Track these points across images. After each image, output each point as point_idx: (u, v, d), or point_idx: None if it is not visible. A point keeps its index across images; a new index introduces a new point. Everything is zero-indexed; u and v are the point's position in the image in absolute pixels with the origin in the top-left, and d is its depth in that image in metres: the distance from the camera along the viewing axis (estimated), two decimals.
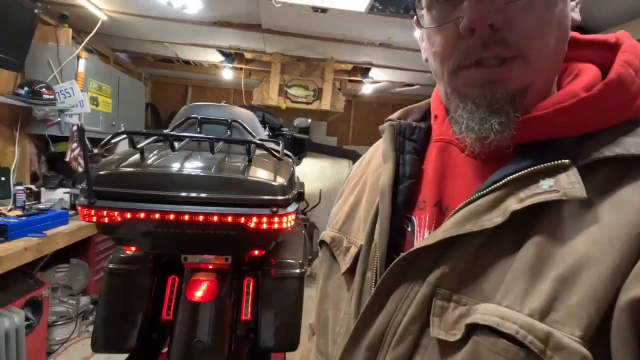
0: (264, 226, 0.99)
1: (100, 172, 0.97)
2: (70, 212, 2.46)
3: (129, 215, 0.92)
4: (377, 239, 0.46)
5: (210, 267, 1.29)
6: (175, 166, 1.03)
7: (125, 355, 1.33)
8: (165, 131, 1.19)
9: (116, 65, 3.86)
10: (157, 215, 0.93)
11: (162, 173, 1.00)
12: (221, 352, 1.27)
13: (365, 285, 0.46)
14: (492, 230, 0.37)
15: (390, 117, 0.59)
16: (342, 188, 0.67)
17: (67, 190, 2.66)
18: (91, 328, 2.81)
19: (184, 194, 0.95)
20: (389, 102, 5.61)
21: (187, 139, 1.14)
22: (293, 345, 1.31)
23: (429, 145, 0.52)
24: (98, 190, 0.91)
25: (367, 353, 0.42)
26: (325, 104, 3.56)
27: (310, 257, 3.05)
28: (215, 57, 3.87)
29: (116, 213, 0.92)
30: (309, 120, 2.66)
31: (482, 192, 0.39)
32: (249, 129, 1.36)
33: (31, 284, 2.14)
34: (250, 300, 1.41)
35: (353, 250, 0.50)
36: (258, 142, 1.07)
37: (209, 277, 1.23)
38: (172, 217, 0.93)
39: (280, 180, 1.03)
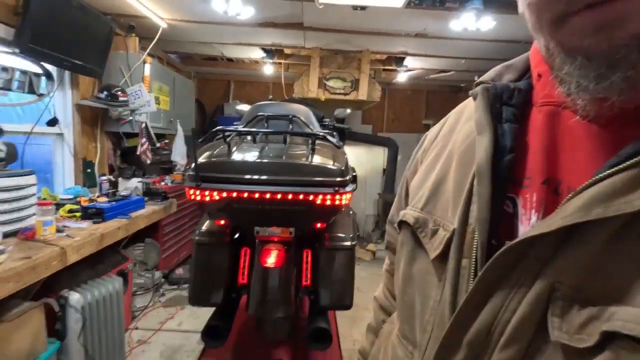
0: (327, 203, 1.22)
1: (203, 161, 1.25)
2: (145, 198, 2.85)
3: (224, 194, 1.19)
4: (473, 223, 0.41)
5: (277, 239, 1.56)
6: (257, 155, 1.29)
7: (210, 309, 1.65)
8: (249, 129, 1.45)
9: (169, 65, 4.24)
10: (245, 194, 1.19)
11: (248, 161, 1.27)
12: (289, 308, 1.54)
13: (462, 274, 0.41)
14: (630, 216, 0.30)
15: (482, 78, 0.51)
16: (415, 159, 0.62)
17: (140, 179, 3.05)
18: (163, 299, 3.24)
19: (264, 177, 1.21)
20: (423, 88, 5.66)
21: (261, 133, 1.40)
22: (348, 305, 1.56)
23: (531, 110, 0.44)
24: (202, 175, 1.19)
25: (469, 350, 0.38)
26: (362, 94, 3.73)
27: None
28: (257, 54, 4.14)
29: (215, 193, 1.20)
30: (348, 111, 2.85)
31: (616, 169, 0.31)
32: (306, 122, 1.60)
33: (119, 259, 2.55)
34: (309, 268, 1.67)
35: (443, 234, 0.45)
36: (321, 134, 1.30)
37: (278, 247, 1.50)
38: (256, 195, 1.19)
39: (339, 165, 1.26)
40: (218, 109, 5.32)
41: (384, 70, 4.72)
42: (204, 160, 1.25)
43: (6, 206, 1.80)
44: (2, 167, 1.88)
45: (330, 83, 3.68)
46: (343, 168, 1.25)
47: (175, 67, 4.46)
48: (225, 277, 1.61)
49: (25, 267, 1.51)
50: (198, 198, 1.21)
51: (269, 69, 4.43)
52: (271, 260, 1.48)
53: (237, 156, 1.28)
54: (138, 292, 2.95)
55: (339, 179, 1.22)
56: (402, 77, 4.56)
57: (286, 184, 1.21)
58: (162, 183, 3.33)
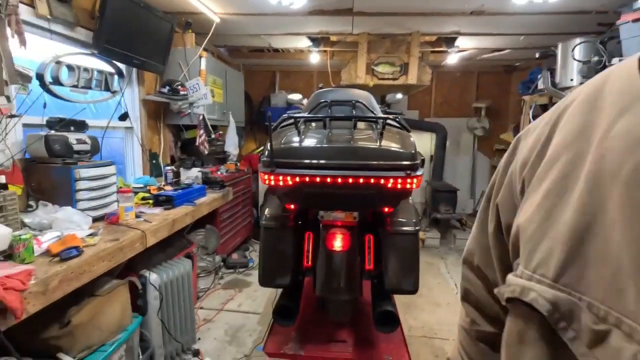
0: (398, 187, 1.23)
1: (278, 148, 1.31)
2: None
3: (297, 179, 1.24)
4: None
5: (341, 223, 1.59)
6: (328, 141, 1.32)
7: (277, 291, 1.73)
8: (319, 115, 1.49)
9: (219, 59, 4.40)
10: (317, 179, 1.23)
11: (320, 146, 1.30)
12: (354, 290, 1.57)
13: None
14: None
15: None
16: (510, 176, 0.39)
17: (199, 169, 3.23)
18: (222, 281, 3.43)
19: (337, 162, 1.24)
20: (473, 69, 5.39)
21: (326, 119, 1.43)
22: (414, 290, 1.57)
23: None
24: (277, 161, 1.25)
25: None
26: (411, 78, 3.64)
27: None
28: (303, 43, 4.16)
29: (288, 178, 1.25)
30: (400, 96, 2.80)
31: None
32: (369, 106, 1.60)
33: (185, 243, 2.73)
34: (371, 252, 1.69)
35: (627, 348, 0.24)
36: (392, 118, 1.30)
37: (343, 232, 1.54)
38: (328, 180, 1.23)
39: (410, 148, 1.26)
40: (265, 100, 5.44)
41: (432, 52, 4.55)
42: (278, 147, 1.30)
43: (93, 194, 1.99)
44: (88, 159, 2.08)
45: (379, 68, 3.62)
46: (413, 151, 1.25)
47: (224, 60, 4.61)
48: (292, 260, 1.67)
49: (115, 247, 1.68)
50: (272, 183, 1.26)
51: (314, 58, 4.45)
52: (337, 243, 1.52)
53: (308, 142, 1.32)
54: (201, 275, 3.15)
55: (410, 162, 1.22)
56: (452, 59, 4.37)
57: (358, 168, 1.23)
58: (218, 172, 3.49)
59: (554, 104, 2.77)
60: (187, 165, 3.25)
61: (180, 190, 2.60)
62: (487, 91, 5.46)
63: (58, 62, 2.04)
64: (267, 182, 1.27)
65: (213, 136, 3.67)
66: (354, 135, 1.34)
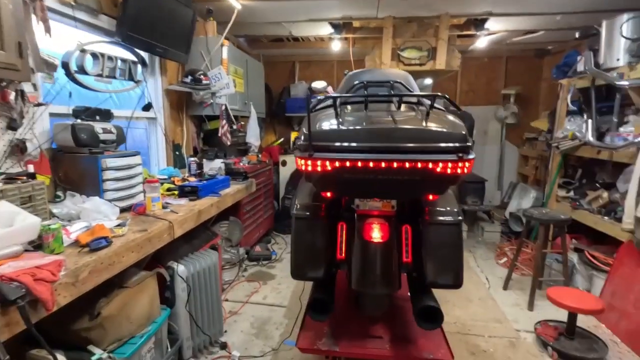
0: (449, 171, 1.12)
1: (316, 130, 1.22)
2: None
3: (337, 164, 1.15)
4: None
5: (378, 213, 1.48)
6: (370, 122, 1.21)
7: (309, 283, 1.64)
8: (360, 95, 1.38)
9: (239, 49, 4.33)
10: (359, 163, 1.13)
11: (363, 128, 1.20)
12: (393, 284, 1.47)
13: None
14: None
15: None
16: None
17: (222, 160, 3.18)
18: (246, 274, 3.39)
19: (380, 144, 1.13)
20: (502, 54, 5.14)
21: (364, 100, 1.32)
22: (458, 284, 1.45)
23: None
24: (315, 145, 1.15)
25: None
26: (440, 63, 3.47)
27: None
28: (325, 30, 4.04)
29: (327, 162, 1.15)
30: (429, 81, 2.65)
31: None
32: (408, 87, 1.48)
33: (210, 235, 2.69)
34: (409, 244, 1.58)
35: None
36: (440, 96, 1.19)
37: (381, 222, 1.43)
38: (370, 164, 1.13)
39: (461, 129, 1.14)
40: (284, 91, 5.35)
41: (459, 37, 4.34)
42: (316, 130, 1.21)
43: (120, 184, 1.96)
44: (114, 149, 2.04)
45: (405, 54, 3.47)
46: (464, 132, 1.13)
47: (244, 50, 4.54)
48: (325, 251, 1.58)
49: (143, 238, 1.63)
50: (310, 168, 1.17)
51: (336, 46, 4.32)
52: (375, 234, 1.42)
53: (348, 124, 1.22)
54: (225, 267, 3.12)
55: (461, 144, 1.10)
56: (481, 42, 4.15)
57: (403, 152, 1.12)
58: (241, 164, 3.44)
59: (596, 87, 2.55)
60: (210, 156, 3.20)
61: (204, 182, 2.55)
62: (517, 77, 5.19)
63: (83, 51, 2.00)
64: (304, 167, 1.18)
65: (235, 127, 3.62)
66: (397, 116, 1.23)
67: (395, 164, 1.11)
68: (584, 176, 3.45)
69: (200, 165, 3.11)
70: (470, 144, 1.12)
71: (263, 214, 4.05)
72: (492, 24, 3.74)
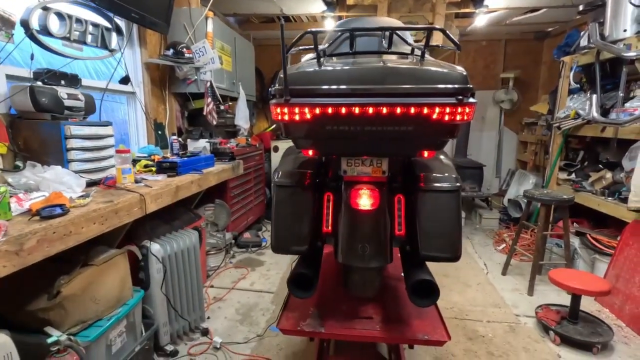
0: (446, 117, 0.96)
1: (293, 72, 1.05)
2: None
3: (317, 111, 0.99)
4: None
5: (368, 179, 1.33)
6: (357, 64, 1.06)
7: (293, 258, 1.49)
8: (343, 29, 1.22)
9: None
10: (343, 110, 0.98)
11: (348, 69, 1.04)
12: (383, 256, 1.32)
13: None
14: None
15: None
16: None
17: (207, 140, 3.01)
18: (234, 260, 3.24)
19: (368, 86, 0.98)
20: (501, 37, 4.98)
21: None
22: (456, 256, 1.30)
23: None
24: (292, 88, 1.00)
25: None
26: (436, 40, 3.30)
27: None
28: (317, 8, 3.86)
29: (306, 109, 1.00)
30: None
31: None
32: (403, 36, 1.33)
33: (192, 217, 2.53)
34: (402, 215, 1.43)
35: None
36: (439, 28, 1.03)
37: (371, 187, 1.28)
38: (356, 110, 0.97)
39: (462, 71, 0.99)
40: (276, 75, 5.16)
41: (457, 17, 4.19)
42: (293, 72, 1.05)
43: (88, 154, 1.79)
44: (81, 117, 1.87)
45: None
46: (465, 73, 0.98)
47: (234, 30, 4.35)
48: (309, 222, 1.43)
49: (108, 209, 1.47)
50: (286, 117, 1.02)
51: (329, 24, 4.14)
52: (364, 202, 1.27)
53: (331, 65, 1.06)
54: (211, 252, 2.96)
55: (464, 85, 0.95)
56: (480, 21, 3.99)
57: (396, 96, 0.96)
58: (228, 145, 3.27)
59: (601, 62, 2.39)
60: (195, 136, 3.04)
61: (186, 158, 2.38)
62: (516, 61, 5.05)
63: (46, 9, 1.82)
64: (280, 117, 1.02)
65: (222, 107, 3.44)
66: (395, 59, 1.07)
67: (384, 110, 0.96)
68: (586, 158, 3.31)
69: (184, 146, 2.94)
70: (471, 86, 0.97)
71: (254, 199, 3.89)
72: (491, 0, 3.57)
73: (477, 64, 5.16)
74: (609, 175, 2.81)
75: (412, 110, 0.96)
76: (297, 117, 1.02)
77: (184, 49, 2.79)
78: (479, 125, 5.23)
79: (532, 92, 5.06)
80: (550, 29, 4.71)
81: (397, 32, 1.26)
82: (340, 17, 4.11)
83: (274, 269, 3.12)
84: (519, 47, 5.02)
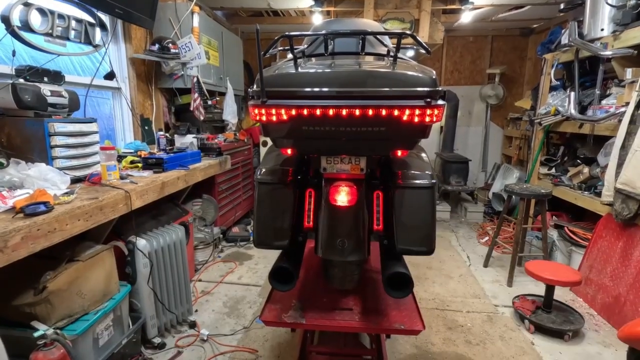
0: (416, 119, 1.01)
1: (270, 75, 1.09)
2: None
3: (293, 112, 1.03)
4: None
5: (347, 176, 1.38)
6: (332, 66, 1.09)
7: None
8: (319, 33, 1.25)
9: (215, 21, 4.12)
10: (317, 111, 1.02)
11: (323, 72, 1.08)
12: (361, 251, 1.37)
13: None
14: None
15: None
16: None
17: (194, 135, 3.02)
18: (222, 254, 3.28)
19: (342, 89, 1.02)
20: (488, 33, 5.04)
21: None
22: (430, 249, 1.36)
23: None
24: (269, 90, 1.03)
25: None
26: (422, 36, 3.35)
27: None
28: (305, 2, 3.86)
29: (283, 110, 1.04)
30: (411, 53, 2.55)
31: None
32: (380, 39, 1.36)
33: (180, 212, 2.56)
34: (380, 211, 1.48)
35: None
36: (409, 34, 1.07)
37: (349, 184, 1.32)
38: (330, 112, 1.01)
39: (430, 73, 1.03)
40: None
41: (444, 13, 4.22)
42: (271, 74, 1.08)
43: (72, 151, 1.80)
44: (65, 114, 1.88)
45: (387, 25, 3.33)
46: (434, 77, 1.02)
47: (222, 24, 4.33)
48: (289, 219, 1.48)
49: (93, 206, 1.50)
50: (264, 118, 1.05)
51: (317, 19, 4.14)
52: (342, 198, 1.32)
53: (307, 68, 1.10)
54: (199, 247, 3.00)
55: (432, 88, 0.99)
56: (466, 17, 4.04)
57: (367, 99, 1.01)
58: (216, 140, 3.28)
59: (580, 59, 2.46)
60: (182, 131, 3.04)
61: (173, 154, 2.40)
62: (502, 57, 5.12)
63: (27, 4, 1.81)
64: (257, 117, 1.06)
65: (210, 102, 3.45)
66: (362, 63, 1.11)
67: (357, 112, 1.00)
68: (565, 153, 3.41)
69: (171, 142, 2.95)
70: (440, 89, 1.02)
71: (242, 194, 3.92)
72: None
73: (464, 59, 5.22)
74: (586, 170, 2.91)
75: (384, 112, 1.01)
76: (274, 118, 1.06)
77: (170, 44, 2.78)
78: (465, 120, 5.31)
79: (517, 87, 5.15)
80: (535, 26, 4.79)
81: (375, 34, 1.30)
82: (328, 12, 4.13)
83: (262, 262, 3.17)
84: (505, 43, 5.09)
